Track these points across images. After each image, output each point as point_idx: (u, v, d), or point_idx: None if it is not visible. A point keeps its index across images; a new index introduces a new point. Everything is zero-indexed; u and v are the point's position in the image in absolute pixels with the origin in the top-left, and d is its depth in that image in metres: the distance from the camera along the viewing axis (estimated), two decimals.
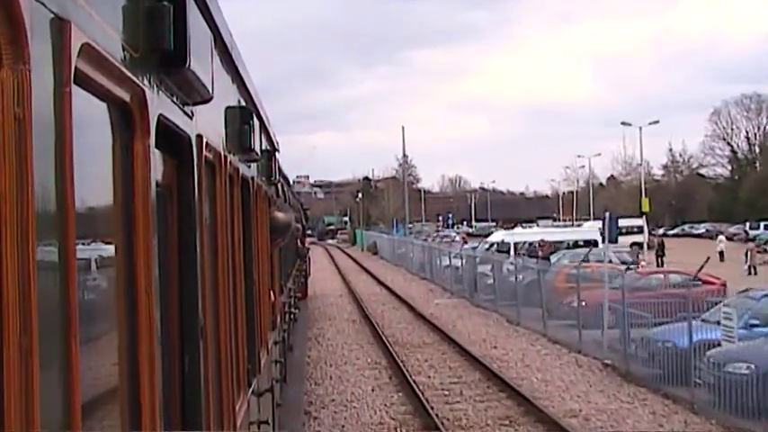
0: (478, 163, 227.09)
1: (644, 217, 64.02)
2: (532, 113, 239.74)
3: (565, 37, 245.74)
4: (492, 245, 44.46)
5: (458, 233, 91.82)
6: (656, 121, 71.92)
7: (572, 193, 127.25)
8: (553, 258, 34.37)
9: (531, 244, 41.38)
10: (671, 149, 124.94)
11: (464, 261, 38.34)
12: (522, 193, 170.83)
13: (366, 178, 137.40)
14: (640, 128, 69.94)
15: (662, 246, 56.03)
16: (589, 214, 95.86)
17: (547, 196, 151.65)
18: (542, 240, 40.50)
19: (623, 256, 38.55)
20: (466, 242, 65.65)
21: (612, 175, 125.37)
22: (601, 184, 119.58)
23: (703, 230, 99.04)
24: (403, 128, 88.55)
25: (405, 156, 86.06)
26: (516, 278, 29.09)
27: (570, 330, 23.57)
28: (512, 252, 39.40)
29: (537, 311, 26.62)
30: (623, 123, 72.57)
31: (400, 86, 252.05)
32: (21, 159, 1.67)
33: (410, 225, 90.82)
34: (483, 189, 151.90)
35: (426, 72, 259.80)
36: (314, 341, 25.63)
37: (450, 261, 41.44)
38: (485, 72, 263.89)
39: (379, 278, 49.22)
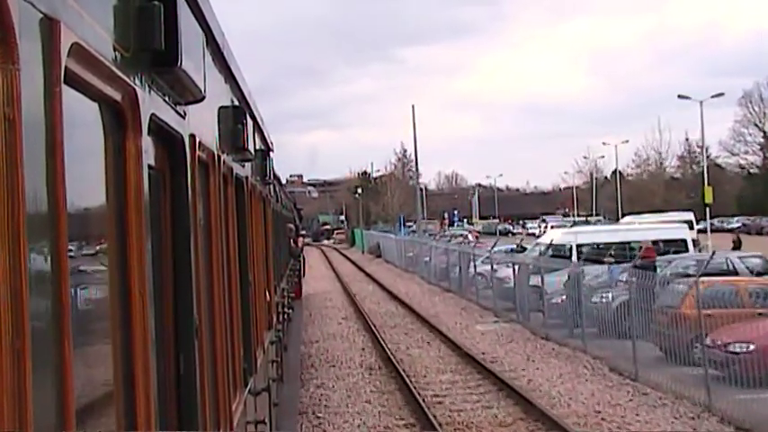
0: (473, 160, 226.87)
1: (707, 210, 52.15)
2: (526, 110, 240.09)
3: (560, 33, 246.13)
4: (548, 247, 32.40)
5: (470, 231, 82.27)
6: (721, 94, 60.33)
7: (577, 187, 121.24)
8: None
9: (598, 246, 30.98)
10: (687, 139, 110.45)
11: (517, 270, 27.57)
12: (517, 189, 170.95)
13: (364, 173, 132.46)
14: (701, 102, 57.35)
15: (739, 243, 41.17)
16: (617, 209, 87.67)
17: (545, 192, 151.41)
18: (645, 242, 27.89)
19: (752, 261, 27.21)
20: (478, 239, 57.41)
21: (617, 170, 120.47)
22: (606, 177, 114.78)
23: (738, 225, 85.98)
24: (413, 106, 78.65)
25: (415, 138, 76.66)
26: (630, 300, 18.75)
27: (733, 393, 14.35)
28: (574, 257, 29.51)
29: (645, 350, 17.80)
30: (680, 96, 58.92)
31: (395, 84, 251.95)
32: (11, 160, 1.66)
33: (410, 223, 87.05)
34: (480, 185, 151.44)
35: (420, 70, 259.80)
36: (310, 420, 15.04)
37: (492, 269, 30.89)
38: (479, 69, 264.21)
39: (391, 290, 38.50)
